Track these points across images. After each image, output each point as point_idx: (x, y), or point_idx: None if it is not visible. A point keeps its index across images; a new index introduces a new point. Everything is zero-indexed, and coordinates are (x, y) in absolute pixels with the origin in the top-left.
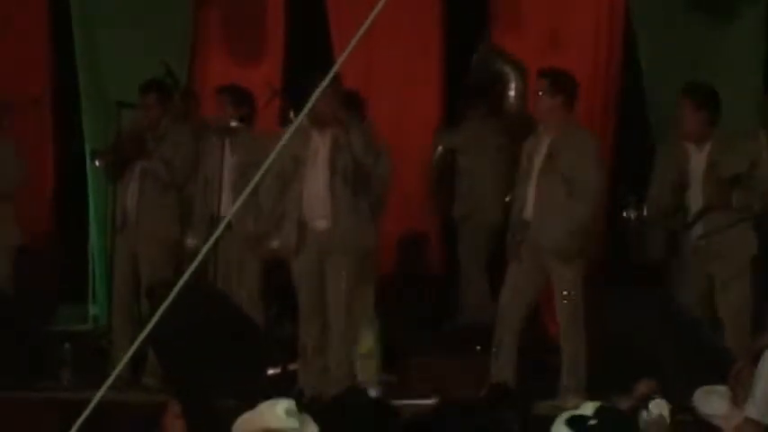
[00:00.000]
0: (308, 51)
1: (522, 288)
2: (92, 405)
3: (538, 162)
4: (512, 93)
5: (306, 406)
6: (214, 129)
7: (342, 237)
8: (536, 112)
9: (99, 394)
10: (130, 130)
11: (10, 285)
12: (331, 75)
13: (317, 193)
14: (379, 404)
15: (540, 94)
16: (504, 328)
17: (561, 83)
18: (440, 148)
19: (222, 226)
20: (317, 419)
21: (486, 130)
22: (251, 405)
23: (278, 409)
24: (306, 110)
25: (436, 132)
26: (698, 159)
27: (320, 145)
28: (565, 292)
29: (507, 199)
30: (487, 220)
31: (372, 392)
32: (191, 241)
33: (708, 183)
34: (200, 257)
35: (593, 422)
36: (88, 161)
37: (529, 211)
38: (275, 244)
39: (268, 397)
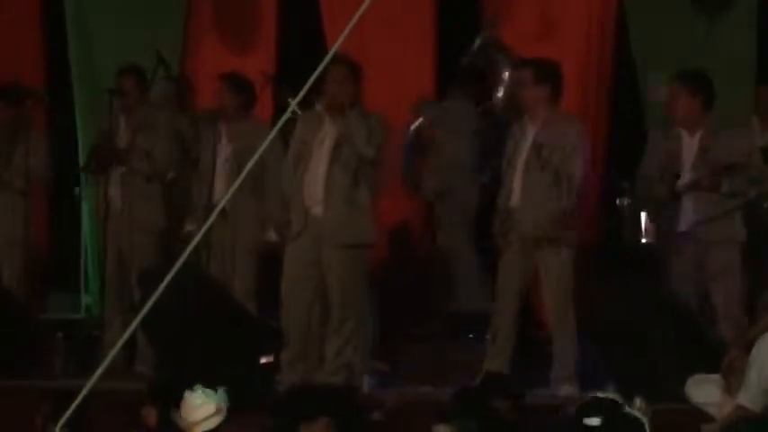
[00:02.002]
0: (301, 39)
1: (515, 277)
2: (82, 394)
3: (523, 151)
4: (502, 84)
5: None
6: (208, 116)
7: (333, 228)
8: (522, 102)
9: (89, 384)
10: (101, 139)
11: (21, 286)
12: (326, 61)
13: (315, 179)
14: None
15: (525, 83)
16: (502, 319)
17: (546, 72)
18: (420, 119)
19: (215, 213)
20: (291, 405)
21: (464, 111)
22: (243, 394)
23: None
24: (299, 97)
25: (416, 104)
26: (690, 145)
27: (328, 131)
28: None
29: (485, 180)
30: (460, 201)
31: (365, 381)
32: (189, 228)
33: (698, 167)
34: (192, 245)
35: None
36: (81, 150)
37: (515, 200)
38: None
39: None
